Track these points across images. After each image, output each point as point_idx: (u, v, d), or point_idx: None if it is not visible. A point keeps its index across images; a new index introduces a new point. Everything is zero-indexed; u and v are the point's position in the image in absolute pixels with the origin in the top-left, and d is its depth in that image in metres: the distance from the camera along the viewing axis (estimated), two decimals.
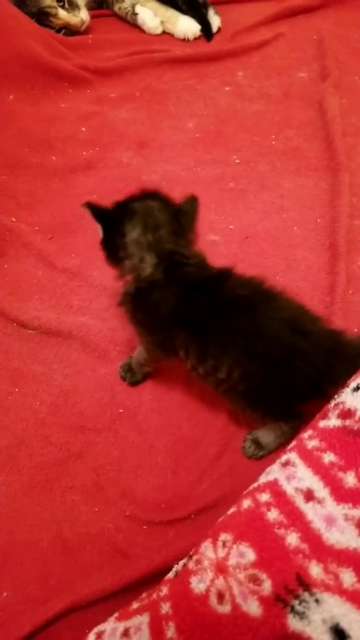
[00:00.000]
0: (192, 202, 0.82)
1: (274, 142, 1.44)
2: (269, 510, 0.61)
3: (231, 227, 1.25)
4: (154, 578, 0.75)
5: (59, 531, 0.84)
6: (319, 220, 1.26)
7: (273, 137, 1.45)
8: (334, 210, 1.26)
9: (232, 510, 0.66)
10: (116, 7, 1.78)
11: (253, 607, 0.53)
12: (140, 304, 0.80)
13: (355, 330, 1.05)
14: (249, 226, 1.25)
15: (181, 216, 0.79)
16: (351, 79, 1.64)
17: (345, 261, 1.15)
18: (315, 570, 0.53)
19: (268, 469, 0.69)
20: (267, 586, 0.54)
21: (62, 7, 1.61)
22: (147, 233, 0.76)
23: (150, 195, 0.80)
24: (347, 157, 1.37)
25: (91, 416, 0.95)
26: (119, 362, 1.00)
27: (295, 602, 0.52)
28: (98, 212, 0.78)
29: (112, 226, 0.78)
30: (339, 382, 0.74)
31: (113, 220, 0.77)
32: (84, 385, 0.99)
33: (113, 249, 0.79)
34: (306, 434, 0.69)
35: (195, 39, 1.74)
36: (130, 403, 0.96)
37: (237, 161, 1.39)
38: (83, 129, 1.43)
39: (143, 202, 0.78)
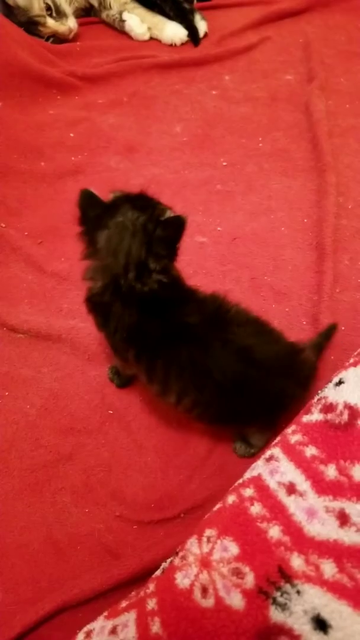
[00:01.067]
0: (178, 223, 0.71)
1: (261, 145, 1.45)
2: (252, 504, 0.61)
3: (219, 228, 1.26)
4: (144, 577, 0.75)
5: (50, 533, 0.85)
6: (306, 220, 1.27)
7: (260, 139, 1.47)
8: (320, 210, 1.27)
9: (217, 506, 0.67)
10: (104, 15, 1.80)
11: (236, 600, 0.54)
12: (95, 311, 0.79)
13: (343, 328, 1.06)
14: (236, 227, 1.26)
15: (156, 239, 0.71)
16: (337, 81, 1.66)
17: (332, 260, 1.16)
18: (296, 562, 0.54)
19: (253, 465, 0.70)
20: (249, 579, 0.55)
21: (50, 15, 1.63)
22: (107, 256, 0.72)
23: (140, 207, 0.72)
24: (334, 158, 1.38)
25: (81, 418, 0.96)
26: (108, 364, 1.00)
27: (277, 594, 0.53)
28: (87, 202, 0.73)
29: (88, 221, 0.74)
30: (296, 399, 0.77)
31: (89, 217, 0.74)
32: (73, 387, 1.00)
33: (87, 245, 0.75)
34: (290, 429, 0.70)
35: (182, 44, 1.76)
36: (120, 404, 0.97)
37: (225, 164, 1.40)
38: (71, 134, 1.44)
39: (119, 220, 0.71)
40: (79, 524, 0.86)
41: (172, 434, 0.94)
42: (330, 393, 0.71)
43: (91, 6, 1.83)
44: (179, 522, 0.86)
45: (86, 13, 1.86)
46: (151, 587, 0.62)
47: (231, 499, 0.65)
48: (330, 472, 0.59)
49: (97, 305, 0.78)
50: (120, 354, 0.82)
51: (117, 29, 1.80)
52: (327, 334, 1.00)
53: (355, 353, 0.78)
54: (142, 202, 0.74)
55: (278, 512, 0.59)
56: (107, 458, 0.92)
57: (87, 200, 0.73)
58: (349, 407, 0.65)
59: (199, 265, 1.18)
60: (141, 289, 0.72)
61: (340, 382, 0.71)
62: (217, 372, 0.74)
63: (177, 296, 0.77)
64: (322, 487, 0.58)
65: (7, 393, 0.99)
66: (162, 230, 0.71)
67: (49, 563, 0.82)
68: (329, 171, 1.34)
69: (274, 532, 0.57)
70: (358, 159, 1.42)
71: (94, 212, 0.73)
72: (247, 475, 0.68)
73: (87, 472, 0.90)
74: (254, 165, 1.40)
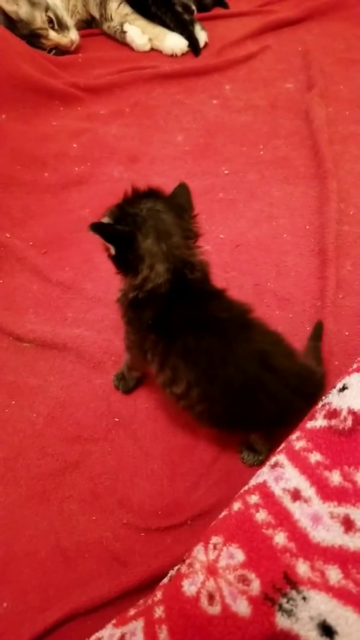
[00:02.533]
0: (183, 190, 0.80)
1: (262, 152, 1.47)
2: (257, 511, 0.62)
3: (222, 236, 1.27)
4: (151, 584, 0.75)
5: (58, 541, 0.85)
6: (308, 226, 1.28)
7: (261, 147, 1.48)
8: (322, 216, 1.28)
9: (223, 513, 0.67)
10: (105, 26, 1.83)
11: (242, 607, 0.54)
12: (134, 306, 0.80)
13: (347, 333, 1.07)
14: (239, 235, 1.27)
15: (184, 211, 0.78)
16: (337, 88, 1.67)
17: (335, 266, 1.16)
18: (302, 568, 0.54)
19: (258, 472, 0.71)
20: (255, 586, 0.55)
21: (52, 28, 1.66)
22: (160, 242, 0.74)
23: (149, 195, 0.77)
24: (334, 164, 1.39)
25: (87, 426, 0.96)
26: (114, 372, 1.01)
27: (283, 601, 0.53)
28: (107, 231, 0.73)
29: (123, 239, 0.74)
30: (301, 417, 0.75)
31: (122, 233, 0.74)
32: (79, 396, 1.00)
33: (124, 260, 0.77)
34: (294, 436, 0.70)
35: (183, 54, 1.78)
36: (126, 412, 0.98)
37: (226, 172, 1.42)
38: (74, 145, 1.46)
39: (147, 207, 0.75)
40: (87, 532, 0.86)
41: (178, 441, 0.94)
42: (334, 399, 0.71)
43: (92, 18, 1.86)
44: (186, 529, 0.87)
45: (87, 25, 1.89)
46: (158, 594, 0.63)
47: (237, 506, 0.65)
48: (335, 478, 0.60)
49: (140, 300, 0.77)
50: (139, 344, 0.83)
51: (119, 40, 1.82)
52: (317, 335, 1.02)
53: (359, 358, 0.79)
54: (143, 193, 0.78)
55: (283, 518, 0.59)
56: (114, 466, 0.92)
57: (103, 228, 0.73)
58: (352, 412, 0.66)
59: None
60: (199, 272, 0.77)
61: (344, 388, 0.72)
62: (234, 367, 0.75)
63: (210, 290, 0.81)
64: (327, 493, 0.59)
65: (13, 402, 1.00)
66: (179, 195, 0.79)
67: (56, 571, 0.82)
68: (330, 178, 1.35)
69: (280, 538, 0.57)
70: (359, 165, 1.43)
71: (115, 230, 0.74)
72: (253, 482, 0.69)
73: (93, 480, 0.91)
74: (255, 173, 1.41)
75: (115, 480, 0.91)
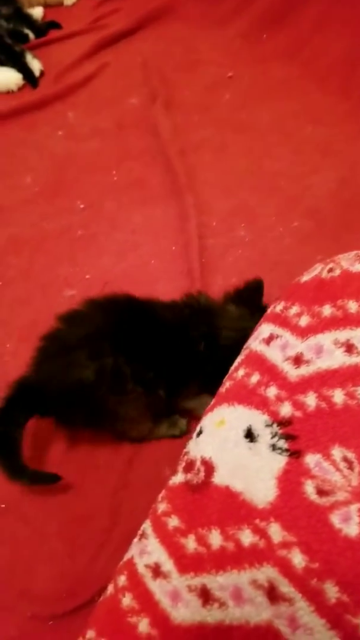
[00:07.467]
0: None
1: (115, 178, 1.44)
2: (124, 595, 0.59)
3: (87, 276, 1.23)
4: None
5: None
6: (173, 247, 1.26)
7: (114, 172, 1.45)
8: (184, 234, 1.27)
9: (101, 598, 0.64)
10: None
11: None
12: None
13: None
14: (105, 272, 1.23)
15: None
16: (181, 94, 1.67)
17: (201, 284, 1.15)
18: None
19: (134, 540, 0.67)
20: None
21: None
22: None
23: None
24: (189, 177, 1.39)
25: None
26: None
27: None
28: None
29: None
30: None
31: None
32: None
33: None
34: (160, 496, 0.68)
35: (19, 88, 1.72)
36: (11, 497, 0.91)
37: (82, 206, 1.38)
38: None
39: None
40: None
41: (71, 514, 0.89)
42: (192, 447, 0.69)
43: None
44: (94, 605, 0.82)
45: None
46: None
47: (109, 589, 0.62)
48: (190, 544, 0.57)
49: None
50: None
51: None
52: None
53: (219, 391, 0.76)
54: None
55: (146, 601, 0.56)
56: (8, 557, 0.87)
57: None
58: (204, 462, 0.63)
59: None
60: None
61: (200, 432, 0.70)
62: None
63: None
64: (184, 564, 0.56)
65: None
66: None
67: None
68: (186, 192, 1.35)
69: (143, 626, 0.55)
70: (214, 172, 1.43)
71: None
72: (126, 556, 0.66)
73: None
74: (112, 202, 1.38)
75: (12, 572, 0.86)
